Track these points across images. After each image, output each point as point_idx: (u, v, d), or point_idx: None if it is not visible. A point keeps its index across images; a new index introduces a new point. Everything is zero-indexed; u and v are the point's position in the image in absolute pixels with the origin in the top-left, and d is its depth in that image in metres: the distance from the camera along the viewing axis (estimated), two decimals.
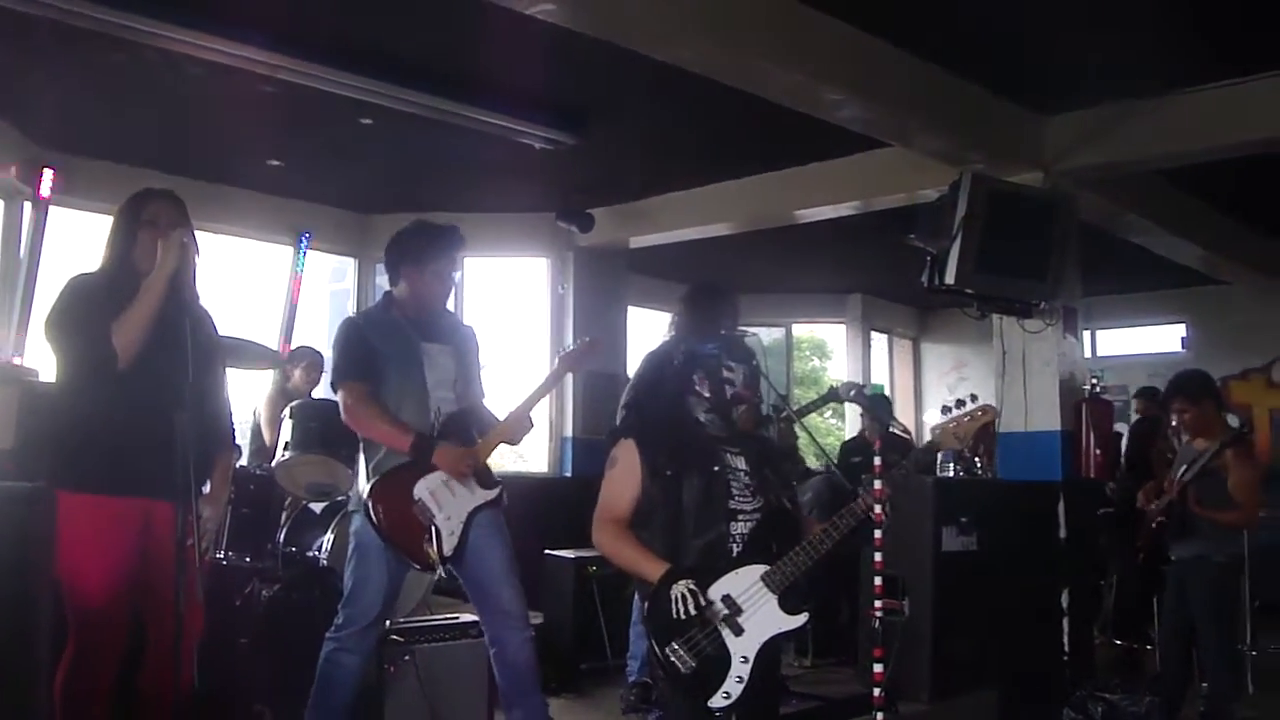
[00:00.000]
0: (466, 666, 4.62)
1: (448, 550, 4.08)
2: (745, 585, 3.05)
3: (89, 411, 3.36)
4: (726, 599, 3.01)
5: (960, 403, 3.23)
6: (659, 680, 3.12)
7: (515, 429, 4.32)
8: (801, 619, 3.06)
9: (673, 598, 2.97)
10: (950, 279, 5.37)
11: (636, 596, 5.33)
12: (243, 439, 6.69)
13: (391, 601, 4.20)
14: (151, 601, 3.43)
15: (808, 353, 18.46)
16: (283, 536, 5.74)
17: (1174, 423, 5.66)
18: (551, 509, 8.12)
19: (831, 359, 16.40)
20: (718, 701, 2.97)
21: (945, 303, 11.72)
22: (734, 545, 3.13)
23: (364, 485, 4.11)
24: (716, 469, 3.18)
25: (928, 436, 3.27)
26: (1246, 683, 6.26)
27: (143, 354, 3.31)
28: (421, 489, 4.06)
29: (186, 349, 3.25)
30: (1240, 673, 6.05)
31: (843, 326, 12.70)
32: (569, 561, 6.09)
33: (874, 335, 12.90)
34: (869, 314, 12.56)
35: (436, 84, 5.64)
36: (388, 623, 4.57)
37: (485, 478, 4.24)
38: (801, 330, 14.75)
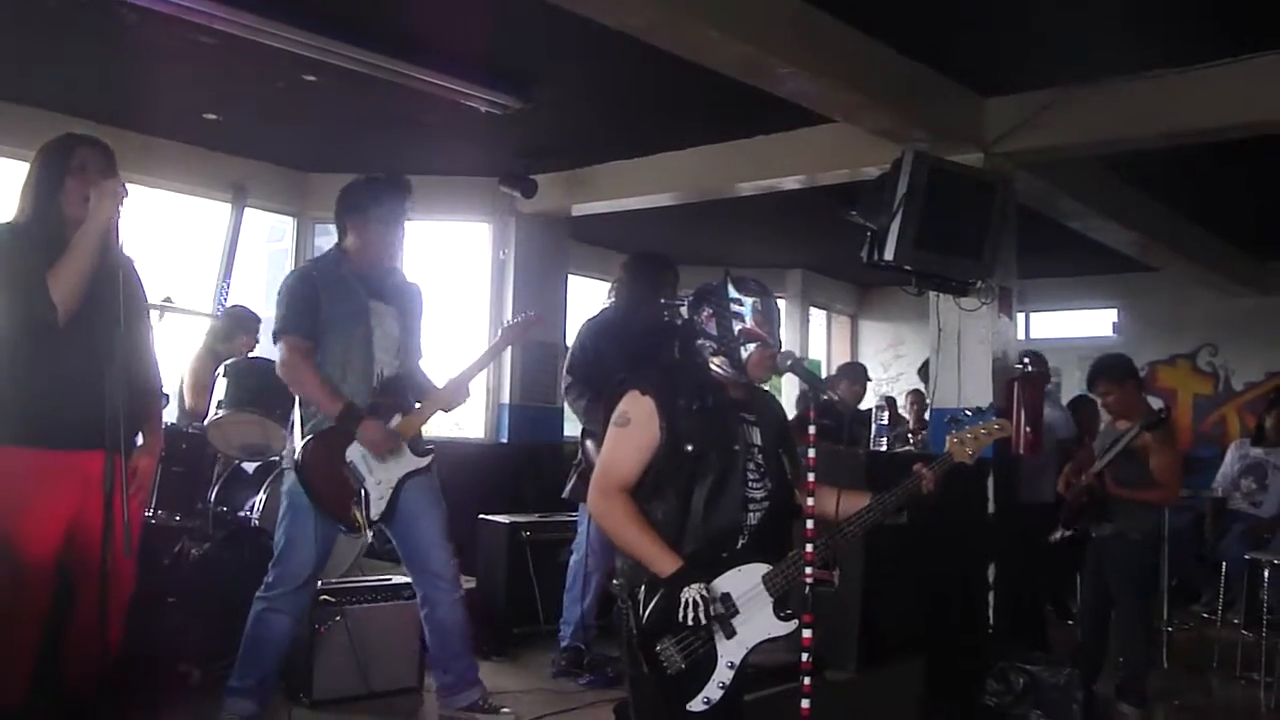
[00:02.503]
0: (397, 628, 4.65)
1: (374, 514, 4.09)
2: (746, 586, 2.92)
3: (23, 365, 3.30)
4: (725, 599, 2.87)
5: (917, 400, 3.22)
6: (638, 674, 2.93)
7: (452, 398, 4.33)
8: (791, 626, 2.92)
9: (684, 601, 2.77)
10: (890, 255, 5.42)
11: (573, 562, 5.37)
12: (172, 398, 6.61)
13: (322, 562, 4.20)
14: (80, 559, 3.39)
15: None
16: (214, 496, 5.69)
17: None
18: (487, 475, 8.14)
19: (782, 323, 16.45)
20: (697, 705, 2.85)
21: (884, 280, 11.83)
22: (742, 537, 2.98)
23: (298, 443, 4.09)
24: (737, 448, 2.99)
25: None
26: (1161, 657, 6.45)
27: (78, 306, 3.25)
28: (354, 451, 4.06)
29: (119, 300, 3.19)
30: (1154, 647, 6.23)
31: (782, 301, 12.77)
32: (503, 526, 6.10)
33: (813, 311, 13.00)
34: (809, 290, 12.64)
35: (382, 42, 5.55)
36: (319, 583, 4.57)
37: (417, 444, 4.23)
38: None
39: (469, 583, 6.24)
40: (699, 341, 3.09)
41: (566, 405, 5.41)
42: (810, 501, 2.94)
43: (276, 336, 4.13)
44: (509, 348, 5.12)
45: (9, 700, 3.32)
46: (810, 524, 2.92)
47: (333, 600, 4.60)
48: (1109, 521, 5.45)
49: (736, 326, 3.04)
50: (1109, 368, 5.67)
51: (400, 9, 5.32)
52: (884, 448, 6.03)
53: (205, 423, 5.75)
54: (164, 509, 5.63)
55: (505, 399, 8.76)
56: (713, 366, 3.08)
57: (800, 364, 3.12)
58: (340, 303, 4.11)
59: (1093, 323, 12.28)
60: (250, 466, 5.77)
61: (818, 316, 13.27)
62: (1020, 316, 11.93)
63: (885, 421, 5.99)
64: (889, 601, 5.30)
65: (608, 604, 3.95)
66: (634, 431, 2.97)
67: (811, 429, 2.99)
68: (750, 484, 3.01)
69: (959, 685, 5.39)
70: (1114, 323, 12.10)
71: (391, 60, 5.62)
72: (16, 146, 6.12)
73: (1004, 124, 6.12)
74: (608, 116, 7.11)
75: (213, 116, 6.92)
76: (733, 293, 3.08)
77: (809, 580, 2.90)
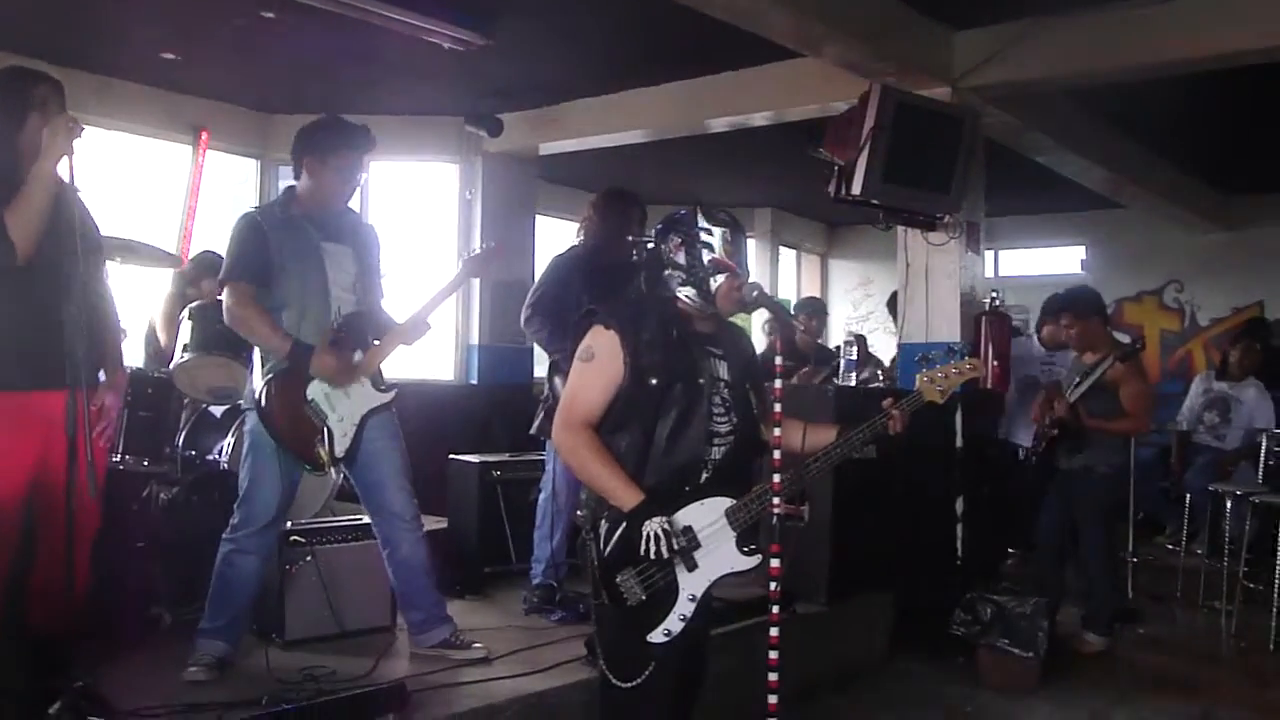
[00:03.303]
0: (368, 567, 4.61)
1: (339, 451, 4.07)
2: (709, 519, 2.92)
3: None
4: (687, 531, 2.87)
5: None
6: (600, 606, 2.96)
7: (412, 332, 4.28)
8: (754, 560, 2.93)
9: (645, 535, 2.80)
10: (857, 190, 5.40)
11: (541, 498, 5.38)
12: (140, 342, 6.55)
13: (288, 502, 4.18)
14: (44, 499, 3.36)
15: None
16: (181, 440, 5.64)
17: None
18: (457, 416, 8.13)
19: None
20: (657, 637, 2.87)
21: (853, 219, 11.86)
22: (705, 471, 2.97)
23: (258, 383, 4.05)
24: (702, 381, 2.97)
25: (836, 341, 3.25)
26: (1126, 587, 6.56)
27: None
28: (315, 389, 4.02)
29: (75, 238, 3.14)
30: (1120, 577, 6.34)
31: (751, 240, 12.75)
32: (473, 466, 6.08)
33: (782, 250, 12.99)
34: (778, 228, 12.63)
35: None
36: (288, 524, 4.55)
37: (379, 380, 4.21)
38: None
39: (440, 523, 6.26)
40: (666, 272, 3.05)
41: (529, 337, 5.37)
42: (777, 433, 2.95)
43: (222, 284, 4.07)
44: (473, 280, 5.07)
45: None
46: (777, 455, 2.93)
47: (302, 540, 4.58)
48: (1079, 454, 5.51)
49: (706, 256, 3.01)
50: (1074, 301, 5.71)
51: None
52: (852, 383, 6.04)
53: (171, 366, 5.69)
54: (131, 454, 5.58)
55: (474, 340, 8.73)
56: (681, 297, 3.05)
57: (768, 296, 3.10)
58: (292, 245, 4.04)
59: (1061, 260, 12.35)
60: (218, 410, 5.72)
61: (787, 255, 13.28)
62: (989, 254, 11.99)
63: (854, 357, 6.00)
64: (858, 535, 5.36)
65: (578, 541, 3.96)
66: (598, 366, 2.97)
67: (779, 359, 2.99)
68: (715, 418, 3.00)
69: (928, 616, 5.47)
70: (1082, 260, 12.17)
71: None
72: None
73: (973, 57, 6.10)
74: (575, 54, 7.03)
75: (171, 56, 6.79)
76: (702, 222, 3.05)
77: (777, 512, 2.92)
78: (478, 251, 4.65)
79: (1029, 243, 12.38)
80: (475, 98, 7.82)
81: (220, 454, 5.49)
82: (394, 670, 4.16)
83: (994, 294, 6.39)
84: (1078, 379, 5.50)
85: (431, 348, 9.11)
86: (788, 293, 13.23)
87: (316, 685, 3.85)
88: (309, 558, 4.57)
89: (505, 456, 6.30)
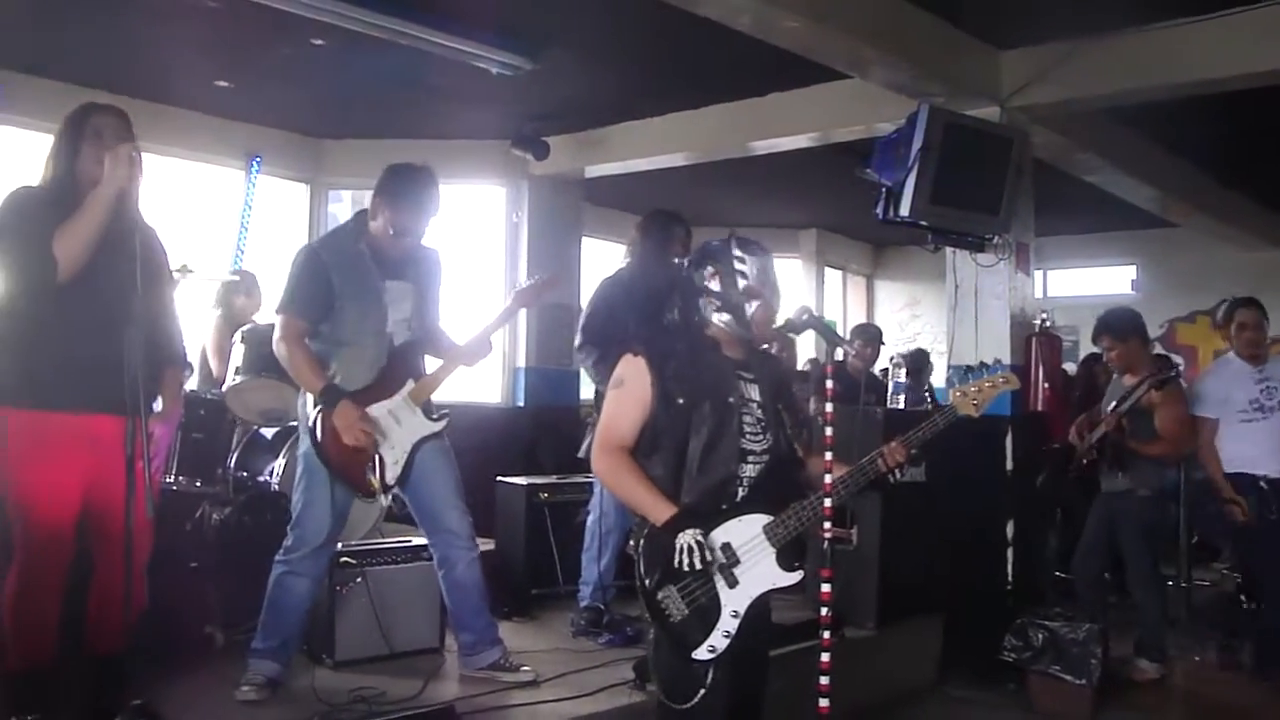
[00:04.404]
0: (418, 589, 4.65)
1: (390, 479, 4.10)
2: (747, 535, 2.94)
3: (34, 326, 3.32)
4: (726, 548, 2.91)
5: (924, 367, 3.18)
6: (645, 623, 3.00)
7: (473, 354, 4.33)
8: (797, 576, 2.94)
9: (679, 547, 2.83)
10: (905, 211, 5.38)
11: (589, 522, 5.39)
12: (195, 366, 6.64)
13: (340, 525, 4.21)
14: (98, 521, 3.41)
15: None
16: (234, 461, 5.71)
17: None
18: (504, 439, 8.17)
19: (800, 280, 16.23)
20: (702, 654, 2.88)
21: (900, 239, 11.80)
22: (740, 489, 3.00)
23: (312, 410, 4.09)
24: (731, 400, 3.02)
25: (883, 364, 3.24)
26: (1182, 613, 6.44)
27: (90, 269, 3.26)
28: (369, 418, 4.05)
29: (135, 264, 3.20)
30: (1173, 603, 6.22)
31: (796, 261, 12.73)
32: (520, 489, 6.09)
33: (828, 271, 12.95)
34: (824, 249, 12.59)
35: (389, 3, 5.52)
36: (339, 545, 4.59)
37: (430, 409, 4.24)
38: None
39: (487, 545, 6.26)
40: (701, 300, 3.12)
41: (580, 364, 5.38)
42: (829, 456, 2.95)
43: (277, 311, 4.13)
44: (523, 310, 5.10)
45: (37, 660, 3.35)
46: (829, 479, 2.94)
47: (353, 562, 4.61)
48: (1122, 473, 5.43)
49: (741, 284, 3.08)
50: (1112, 323, 5.65)
51: None
52: (901, 405, 6.00)
53: (223, 389, 5.77)
54: (185, 475, 5.66)
55: (521, 363, 8.77)
56: (717, 323, 3.11)
57: (817, 319, 3.13)
58: (353, 282, 4.08)
59: (1111, 280, 12.21)
60: (269, 432, 5.79)
61: (833, 277, 13.22)
62: (1038, 274, 11.87)
63: (902, 379, 5.96)
64: (907, 558, 5.32)
65: (626, 563, 3.97)
66: (628, 391, 3.04)
67: (829, 383, 3.01)
68: (748, 436, 3.04)
69: (978, 641, 5.41)
70: (1133, 280, 12.03)
71: (399, 21, 5.58)
72: (34, 118, 6.13)
73: (1020, 77, 6.07)
74: (620, 76, 7.07)
75: (224, 84, 6.90)
76: (736, 251, 3.12)
77: (828, 535, 2.92)
78: (530, 282, 4.71)
79: (1079, 263, 12.24)
80: (521, 121, 7.88)
81: (271, 475, 5.55)
82: (443, 692, 4.18)
83: (1044, 315, 6.34)
84: (1115, 402, 5.44)
85: (478, 370, 9.16)
86: (833, 314, 13.18)
87: (366, 707, 3.88)
88: (360, 579, 4.60)
89: (552, 479, 6.31)
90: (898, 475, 3.09)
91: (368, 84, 7.01)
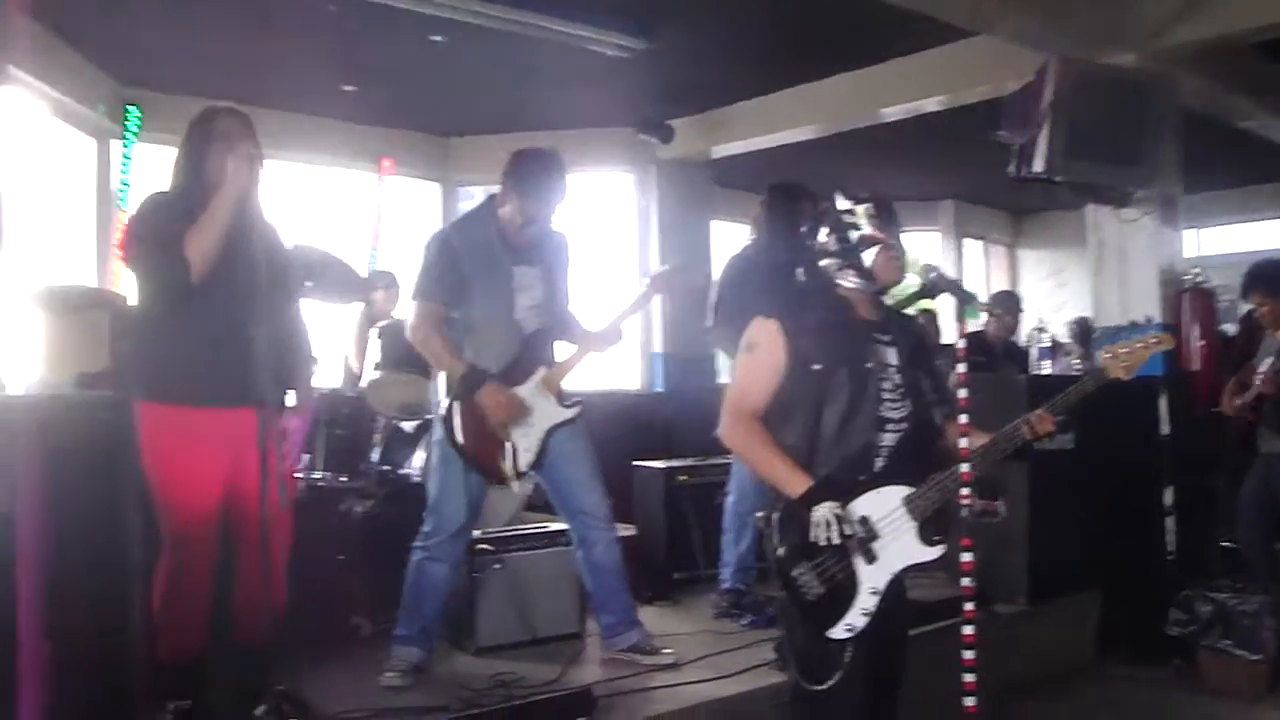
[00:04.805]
0: (557, 574, 4.65)
1: (523, 466, 4.11)
2: (886, 508, 2.82)
3: (169, 325, 3.42)
4: (864, 521, 2.79)
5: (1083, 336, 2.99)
6: (785, 606, 2.90)
7: (605, 341, 4.31)
8: (939, 551, 2.82)
9: (815, 522, 2.74)
10: (1039, 167, 5.13)
11: (728, 502, 5.32)
12: (339, 367, 6.82)
13: (475, 510, 4.24)
14: (239, 514, 3.49)
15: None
16: (377, 455, 5.83)
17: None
18: (643, 425, 8.13)
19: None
20: (839, 633, 2.78)
21: (1040, 205, 11.37)
22: (878, 459, 2.88)
23: (444, 399, 4.13)
24: (870, 365, 2.89)
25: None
26: None
27: (216, 268, 3.34)
28: None
29: (258, 262, 3.27)
30: None
31: (935, 233, 12.40)
32: (659, 472, 6.07)
33: (968, 242, 12.58)
34: (962, 220, 12.24)
35: None
36: (477, 531, 4.63)
37: (564, 396, 4.23)
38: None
39: (628, 530, 6.26)
40: (823, 263, 3.01)
41: (714, 344, 5.31)
42: (963, 419, 2.83)
43: (412, 298, 4.19)
44: (657, 296, 5.06)
45: (187, 651, 3.46)
46: (964, 443, 2.81)
47: (491, 548, 4.65)
48: (1275, 439, 5.10)
49: (854, 235, 2.95)
50: (1262, 275, 5.30)
51: None
52: (1046, 371, 5.76)
53: (364, 384, 5.89)
54: (330, 470, 5.81)
55: (657, 348, 8.74)
56: (842, 284, 2.98)
57: (948, 279, 3.02)
58: (483, 268, 4.12)
59: (1271, 236, 11.51)
60: (409, 425, 5.88)
61: (973, 247, 12.84)
62: (1190, 233, 11.30)
63: (1047, 344, 5.72)
64: (1059, 530, 5.10)
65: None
66: (760, 355, 2.93)
67: (961, 343, 2.90)
68: (887, 403, 2.91)
69: (1139, 616, 5.16)
70: None
71: (507, 9, 5.60)
72: (173, 135, 6.33)
73: (1160, 17, 5.71)
74: (738, 52, 6.96)
75: (350, 88, 7.05)
76: (843, 203, 3.00)
77: (966, 503, 2.80)
78: (664, 269, 4.69)
79: (1234, 218, 11.59)
80: (644, 105, 7.86)
81: (413, 467, 5.64)
82: (583, 676, 4.17)
83: (1196, 271, 6.00)
84: (1271, 358, 5.10)
85: (616, 357, 9.19)
86: (975, 286, 12.80)
87: (506, 691, 3.90)
88: (498, 565, 4.63)
89: (691, 461, 6.26)
90: (1043, 443, 2.94)
91: (488, 78, 7.07)
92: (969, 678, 2.80)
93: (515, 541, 4.75)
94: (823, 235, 3.00)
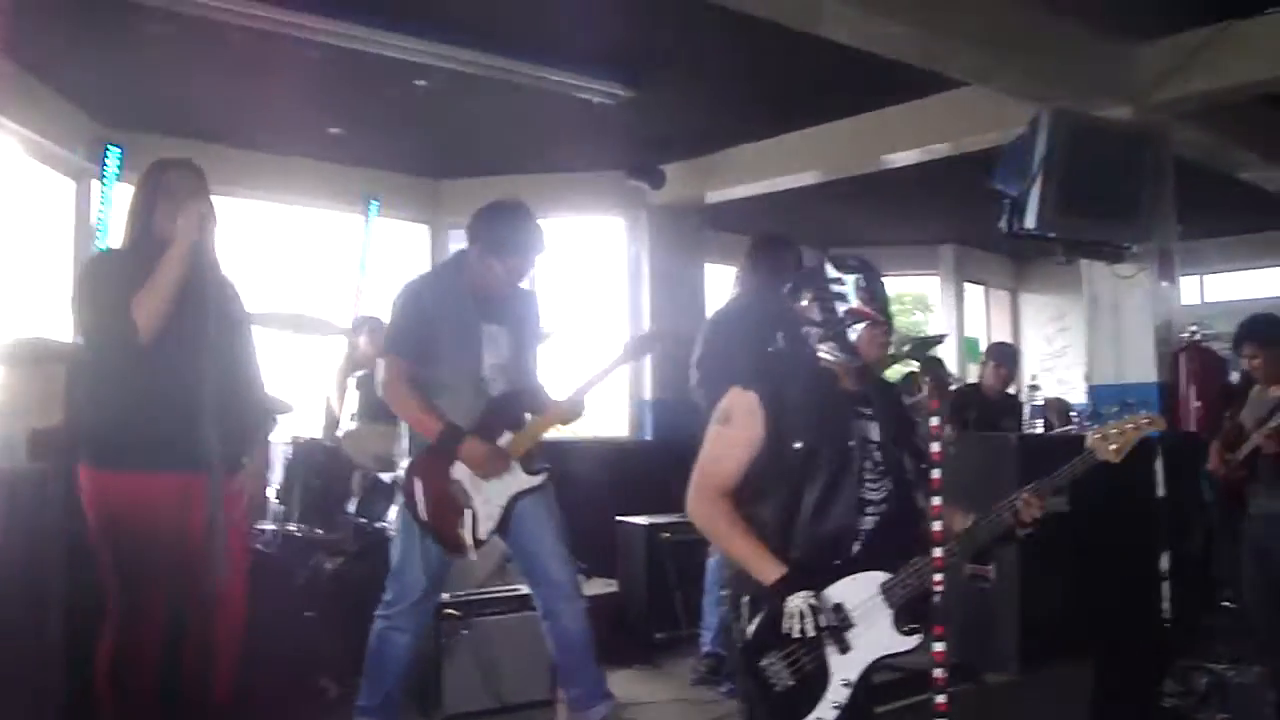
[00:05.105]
0: (526, 639, 4.50)
1: (483, 535, 3.94)
2: (862, 596, 2.67)
3: (118, 389, 3.29)
4: (838, 609, 2.64)
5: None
6: (745, 690, 2.78)
7: (568, 413, 4.16)
8: (914, 641, 2.67)
9: (789, 613, 2.58)
10: (1030, 224, 5.01)
11: (711, 563, 5.17)
12: (321, 412, 6.69)
13: (437, 579, 4.09)
14: (189, 583, 3.35)
15: (909, 306, 17.98)
16: (354, 507, 5.70)
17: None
18: (632, 474, 7.96)
19: (934, 312, 15.82)
20: None
21: (1039, 251, 11.23)
22: (856, 543, 2.74)
23: (406, 459, 4.00)
24: (852, 444, 2.75)
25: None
26: None
27: (166, 330, 3.22)
28: (461, 470, 3.91)
29: (209, 322, 3.15)
30: None
31: (935, 279, 12.28)
32: (642, 529, 5.93)
33: (969, 287, 12.45)
34: (962, 265, 12.12)
35: (483, 40, 5.48)
36: (446, 595, 4.49)
37: (529, 463, 4.07)
38: (902, 284, 14.33)
39: (610, 586, 6.13)
40: (803, 330, 2.85)
41: (698, 400, 5.16)
42: (936, 501, 2.67)
43: (384, 353, 4.06)
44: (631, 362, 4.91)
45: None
46: (938, 526, 2.66)
47: (458, 614, 4.51)
48: (1268, 501, 4.94)
49: (841, 308, 2.79)
50: (1255, 329, 5.16)
51: (500, 5, 5.22)
52: (1039, 429, 5.61)
53: (340, 434, 5.77)
54: (305, 522, 5.68)
55: (646, 395, 8.59)
56: (821, 355, 2.83)
57: (918, 343, 2.86)
58: (451, 324, 3.98)
59: (1275, 283, 11.36)
60: (388, 476, 5.75)
61: (974, 293, 12.71)
62: (1193, 280, 11.16)
63: (1040, 402, 5.57)
64: (1050, 596, 4.94)
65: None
66: (735, 429, 2.78)
67: (935, 420, 2.73)
68: (867, 484, 2.76)
69: (1134, 687, 4.98)
70: None
71: (497, 58, 5.56)
72: None
73: (1157, 71, 5.60)
74: (732, 98, 6.88)
75: (336, 130, 6.96)
76: (831, 272, 2.84)
77: (938, 589, 2.64)
78: (642, 335, 4.56)
79: (1237, 265, 11.46)
80: (635, 150, 7.75)
81: (390, 520, 5.50)
82: None
83: (1193, 328, 5.85)
84: (1268, 412, 4.95)
85: (603, 404, 9.06)
86: (976, 331, 12.65)
87: None
88: (465, 631, 4.49)
89: (675, 518, 6.08)
90: (1027, 533, 2.80)
91: (475, 122, 6.99)
92: None
93: (484, 606, 4.63)
94: (805, 300, 2.85)
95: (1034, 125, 5.07)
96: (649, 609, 5.79)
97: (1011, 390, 7.27)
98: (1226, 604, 6.24)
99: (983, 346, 12.25)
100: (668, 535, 5.88)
